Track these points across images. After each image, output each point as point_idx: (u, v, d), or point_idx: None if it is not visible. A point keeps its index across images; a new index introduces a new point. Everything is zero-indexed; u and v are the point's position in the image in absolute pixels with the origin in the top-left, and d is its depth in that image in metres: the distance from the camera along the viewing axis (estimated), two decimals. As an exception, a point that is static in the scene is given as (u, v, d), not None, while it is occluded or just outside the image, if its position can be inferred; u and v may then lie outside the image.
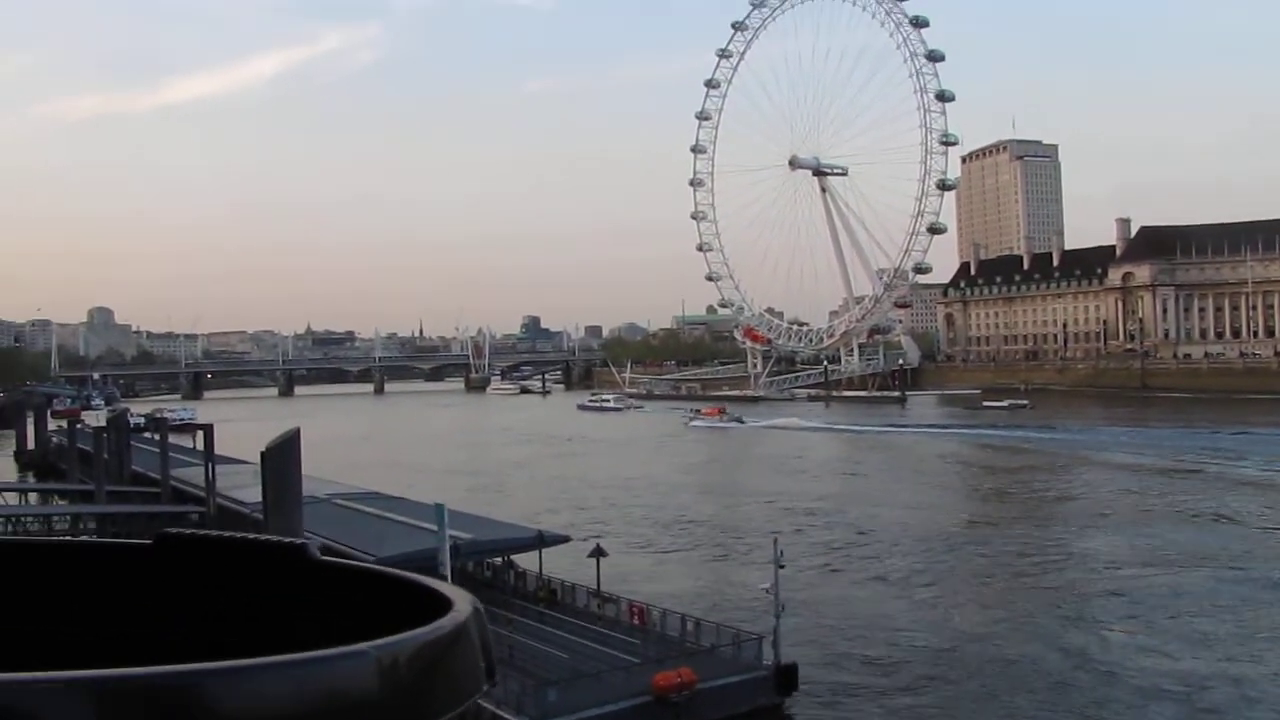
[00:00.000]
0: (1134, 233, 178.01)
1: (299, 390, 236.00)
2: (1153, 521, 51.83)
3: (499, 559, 38.31)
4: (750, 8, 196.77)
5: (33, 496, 64.77)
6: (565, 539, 38.21)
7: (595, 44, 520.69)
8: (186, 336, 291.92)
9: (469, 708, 1.57)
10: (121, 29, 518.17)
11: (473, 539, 34.71)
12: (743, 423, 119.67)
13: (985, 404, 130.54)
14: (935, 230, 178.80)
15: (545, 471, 79.20)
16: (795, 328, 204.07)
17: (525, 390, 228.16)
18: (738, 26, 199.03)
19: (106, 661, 1.30)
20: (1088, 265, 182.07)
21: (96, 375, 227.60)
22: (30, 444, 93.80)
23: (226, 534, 2.17)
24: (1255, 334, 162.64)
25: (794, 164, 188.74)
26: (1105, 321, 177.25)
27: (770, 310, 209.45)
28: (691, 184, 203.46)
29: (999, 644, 32.12)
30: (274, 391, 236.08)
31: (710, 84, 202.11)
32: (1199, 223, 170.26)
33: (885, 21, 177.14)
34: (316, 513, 38.49)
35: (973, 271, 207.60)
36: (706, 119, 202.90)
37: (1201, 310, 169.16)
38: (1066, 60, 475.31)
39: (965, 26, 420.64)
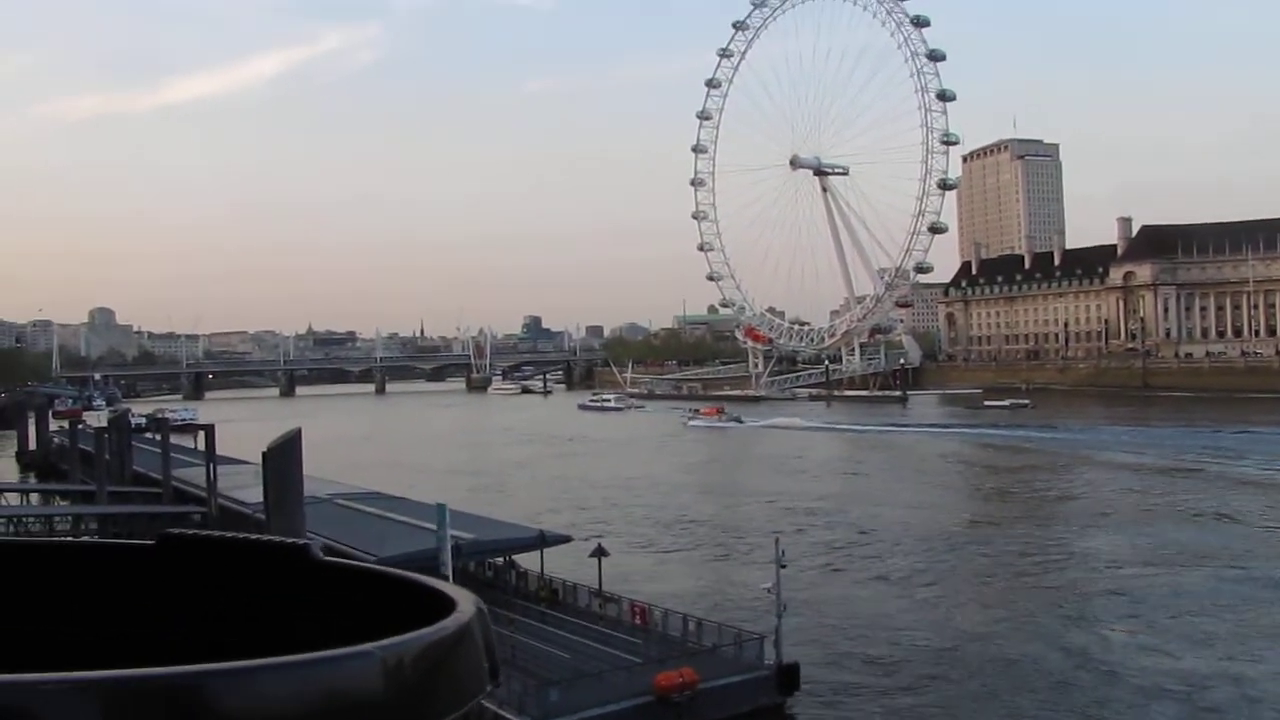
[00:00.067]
0: (1135, 232, 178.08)
1: (300, 390, 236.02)
2: (1154, 521, 51.82)
3: (500, 559, 38.30)
4: (751, 7, 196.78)
5: (34, 497, 64.80)
6: (567, 539, 38.16)
7: (595, 44, 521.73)
8: (188, 337, 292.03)
9: (473, 708, 1.57)
10: (121, 29, 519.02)
11: (474, 539, 34.70)
12: (741, 422, 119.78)
13: (986, 403, 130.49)
14: (936, 230, 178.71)
15: (546, 471, 79.20)
16: (796, 327, 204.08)
17: (527, 390, 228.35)
18: (739, 26, 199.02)
19: (109, 662, 1.29)
20: (1089, 264, 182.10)
21: (98, 376, 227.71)
22: (32, 444, 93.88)
23: (229, 534, 2.17)
24: (1257, 333, 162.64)
25: (795, 163, 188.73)
26: (1107, 321, 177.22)
27: (771, 310, 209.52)
28: (692, 184, 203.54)
29: (1000, 643, 32.12)
30: (275, 392, 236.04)
31: (711, 83, 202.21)
32: (1200, 222, 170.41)
33: (886, 21, 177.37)
34: (318, 513, 38.48)
35: (974, 271, 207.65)
36: (708, 118, 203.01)
37: (1203, 309, 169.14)
38: (1068, 60, 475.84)
39: (966, 26, 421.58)
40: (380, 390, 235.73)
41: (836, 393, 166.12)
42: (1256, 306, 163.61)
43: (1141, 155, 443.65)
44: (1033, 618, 35.02)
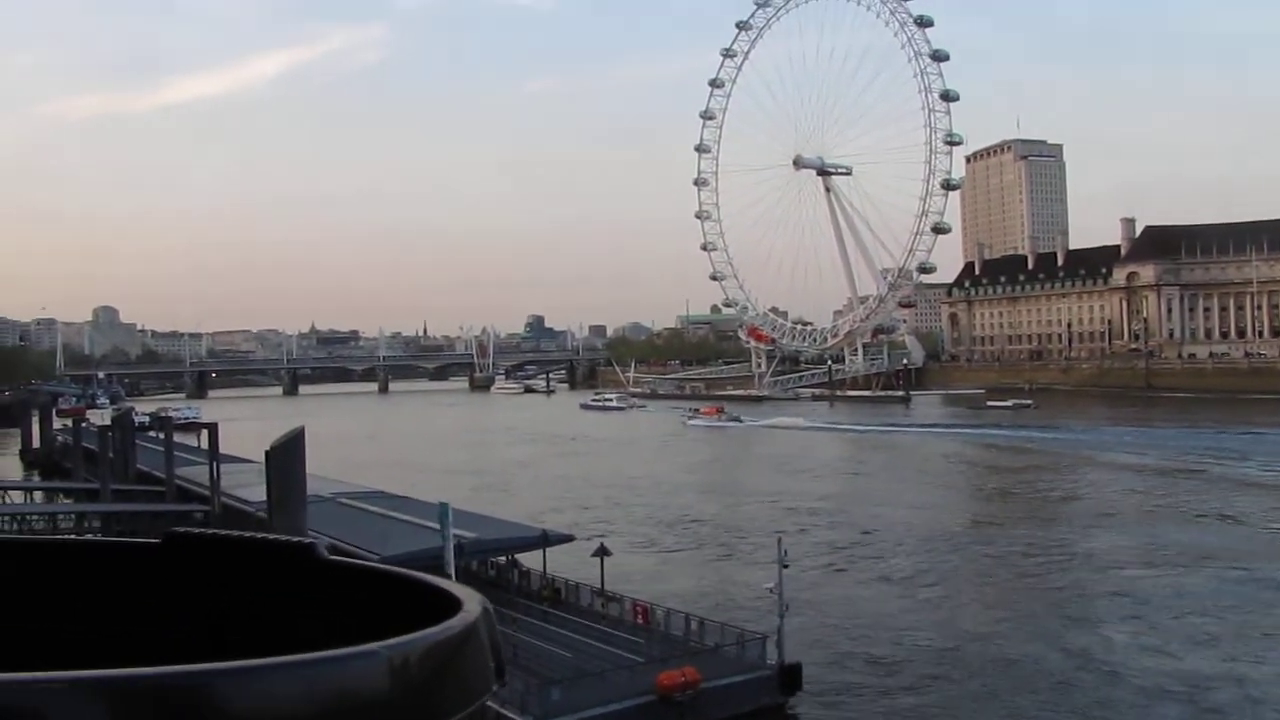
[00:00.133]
0: (1139, 232, 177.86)
1: (303, 389, 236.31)
2: (1157, 521, 51.76)
3: (503, 558, 38.32)
4: (755, 7, 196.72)
5: (38, 495, 64.96)
6: (569, 538, 38.17)
7: (595, 44, 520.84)
8: (191, 335, 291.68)
9: (479, 708, 1.57)
10: (123, 29, 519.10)
11: (477, 538, 34.71)
12: (741, 422, 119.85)
13: (989, 404, 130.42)
14: (940, 230, 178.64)
15: (549, 470, 79.21)
16: (799, 327, 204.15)
17: (529, 390, 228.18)
18: (742, 26, 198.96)
19: (114, 661, 1.30)
20: (1092, 265, 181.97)
21: (101, 374, 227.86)
22: (35, 442, 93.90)
23: (235, 533, 2.17)
24: (1260, 334, 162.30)
25: (798, 163, 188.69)
26: (1110, 321, 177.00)
27: (774, 310, 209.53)
28: (696, 183, 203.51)
29: (1002, 644, 32.10)
30: (279, 390, 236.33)
31: (715, 83, 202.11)
32: (1204, 222, 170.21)
33: (890, 21, 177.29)
34: (321, 512, 38.51)
35: (977, 271, 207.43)
36: (711, 118, 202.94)
37: (1206, 310, 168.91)
38: (1071, 60, 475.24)
39: (969, 26, 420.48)
40: (383, 389, 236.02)
41: (839, 393, 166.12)
42: (1260, 307, 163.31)
43: (1145, 155, 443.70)
44: (1035, 618, 35.00)
